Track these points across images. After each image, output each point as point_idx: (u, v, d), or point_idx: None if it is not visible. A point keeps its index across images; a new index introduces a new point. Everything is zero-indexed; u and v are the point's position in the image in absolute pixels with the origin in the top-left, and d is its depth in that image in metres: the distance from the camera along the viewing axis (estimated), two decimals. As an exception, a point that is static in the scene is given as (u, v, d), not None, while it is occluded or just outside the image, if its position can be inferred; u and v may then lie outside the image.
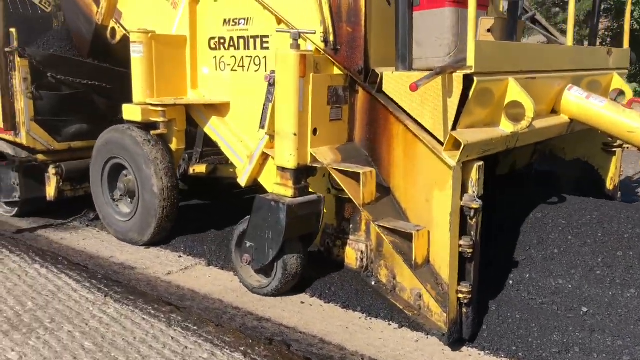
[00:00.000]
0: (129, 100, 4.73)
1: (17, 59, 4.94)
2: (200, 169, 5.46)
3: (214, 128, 4.63)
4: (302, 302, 3.71)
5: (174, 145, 4.72)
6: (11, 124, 5.02)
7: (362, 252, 3.78)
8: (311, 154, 3.56)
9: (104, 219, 5.07)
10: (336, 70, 3.76)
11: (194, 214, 5.48)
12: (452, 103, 3.04)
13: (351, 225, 3.87)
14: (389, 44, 3.65)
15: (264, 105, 3.68)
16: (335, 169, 3.48)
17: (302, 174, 3.59)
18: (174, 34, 4.74)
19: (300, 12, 3.83)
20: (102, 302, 3.67)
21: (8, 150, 5.25)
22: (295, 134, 3.46)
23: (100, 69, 5.44)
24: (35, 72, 5.05)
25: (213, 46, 4.60)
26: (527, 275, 3.53)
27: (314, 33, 3.60)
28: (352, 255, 3.84)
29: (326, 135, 3.63)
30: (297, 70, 3.39)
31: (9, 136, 5.14)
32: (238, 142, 4.48)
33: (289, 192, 3.54)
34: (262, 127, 3.71)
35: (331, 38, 3.67)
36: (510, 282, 3.55)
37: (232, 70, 4.49)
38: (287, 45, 3.57)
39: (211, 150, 5.70)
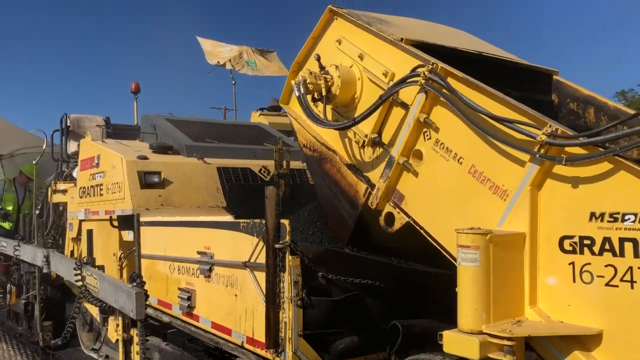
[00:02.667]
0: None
1: (288, 257, 3.94)
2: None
3: (576, 369, 3.14)
4: None
5: (510, 393, 3.25)
6: (274, 341, 3.90)
7: None
8: None
9: None
10: None
11: None
12: None
13: None
14: None
15: None
16: None
17: None
18: (500, 229, 3.50)
19: None
20: None
21: (261, 370, 4.13)
22: None
23: (378, 265, 4.30)
24: (305, 273, 4.00)
25: (569, 248, 3.24)
26: None
27: None
28: None
29: None
30: None
31: (269, 354, 4.01)
32: (625, 397, 2.93)
33: None
34: None
35: None
36: None
37: (607, 284, 3.06)
38: None
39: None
